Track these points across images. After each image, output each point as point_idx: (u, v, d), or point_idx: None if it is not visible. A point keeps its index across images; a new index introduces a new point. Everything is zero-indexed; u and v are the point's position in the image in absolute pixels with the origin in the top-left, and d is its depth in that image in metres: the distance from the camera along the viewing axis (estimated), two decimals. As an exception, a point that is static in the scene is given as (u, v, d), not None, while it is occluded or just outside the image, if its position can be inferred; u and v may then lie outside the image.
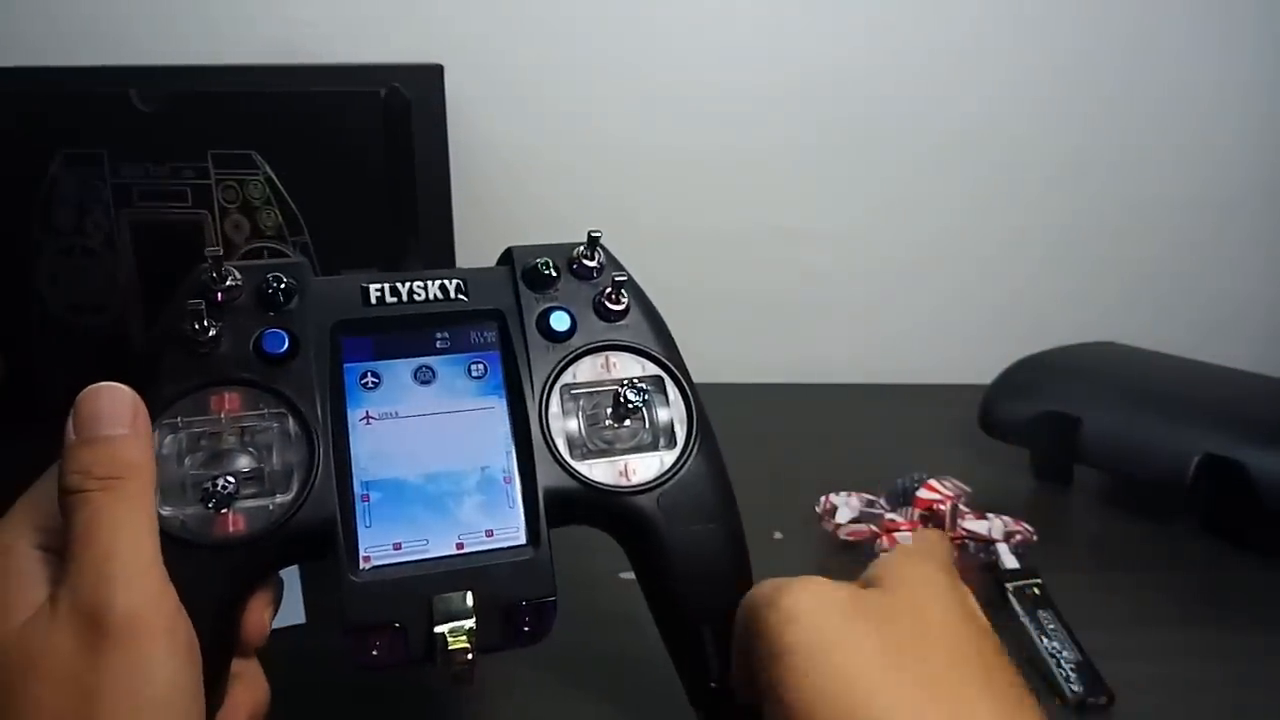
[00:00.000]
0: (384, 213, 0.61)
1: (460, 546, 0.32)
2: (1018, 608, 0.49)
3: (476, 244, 0.76)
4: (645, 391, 0.34)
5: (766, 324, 0.83)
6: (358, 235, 0.61)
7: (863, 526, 0.55)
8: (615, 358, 0.36)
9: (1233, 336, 0.83)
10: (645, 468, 0.34)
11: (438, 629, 0.30)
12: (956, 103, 0.78)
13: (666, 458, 0.35)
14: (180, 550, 0.29)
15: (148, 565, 0.28)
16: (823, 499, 0.57)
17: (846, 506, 0.56)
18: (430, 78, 0.64)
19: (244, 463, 0.31)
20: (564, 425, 0.34)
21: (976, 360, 0.72)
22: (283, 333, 0.32)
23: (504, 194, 0.78)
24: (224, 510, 0.30)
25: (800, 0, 0.74)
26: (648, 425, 0.35)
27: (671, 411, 0.36)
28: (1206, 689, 0.46)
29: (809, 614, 0.30)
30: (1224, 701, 0.45)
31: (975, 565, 0.53)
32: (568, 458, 0.33)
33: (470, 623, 0.30)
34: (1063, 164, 0.80)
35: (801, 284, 0.82)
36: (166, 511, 0.30)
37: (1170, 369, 0.67)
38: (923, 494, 0.55)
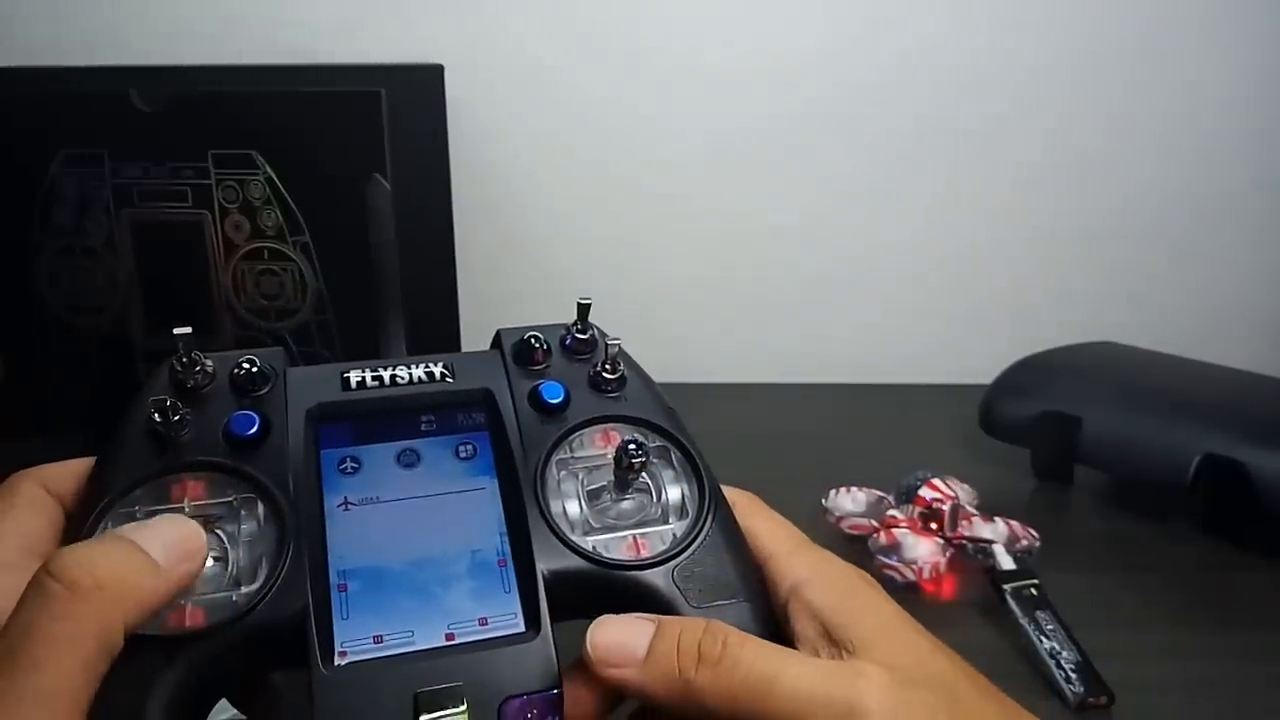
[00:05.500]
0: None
1: (450, 638, 0.29)
2: (1016, 609, 0.49)
3: (478, 243, 0.77)
4: (644, 448, 0.32)
5: (767, 324, 0.83)
6: (359, 237, 0.61)
7: (864, 521, 0.55)
8: (615, 431, 0.34)
9: (1233, 336, 0.83)
10: (656, 541, 0.31)
11: None
12: (961, 103, 0.78)
13: (679, 530, 0.32)
14: (128, 647, 0.25)
15: (55, 703, 0.23)
16: (831, 493, 0.57)
17: (853, 501, 0.57)
18: (430, 78, 0.64)
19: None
20: (563, 503, 0.32)
21: (976, 360, 0.72)
22: (253, 414, 0.31)
23: (504, 192, 0.78)
24: (182, 600, 0.27)
25: (805, 3, 0.75)
26: (655, 499, 0.33)
27: (680, 483, 0.33)
28: (1206, 689, 0.46)
29: None
30: (1224, 701, 0.45)
31: (973, 567, 0.53)
32: (569, 535, 0.31)
33: (462, 715, 0.27)
34: (1065, 165, 0.80)
35: (802, 284, 0.82)
36: None
37: (1170, 369, 0.67)
38: (924, 492, 0.55)
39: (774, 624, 0.31)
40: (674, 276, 0.81)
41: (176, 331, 0.30)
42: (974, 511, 0.55)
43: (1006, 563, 0.52)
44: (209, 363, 0.31)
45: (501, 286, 0.79)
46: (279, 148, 0.59)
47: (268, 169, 0.59)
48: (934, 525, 0.54)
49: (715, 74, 0.76)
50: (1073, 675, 0.45)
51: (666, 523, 0.32)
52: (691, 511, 0.32)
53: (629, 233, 0.80)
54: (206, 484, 0.30)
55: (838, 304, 0.83)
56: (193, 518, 0.29)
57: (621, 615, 0.29)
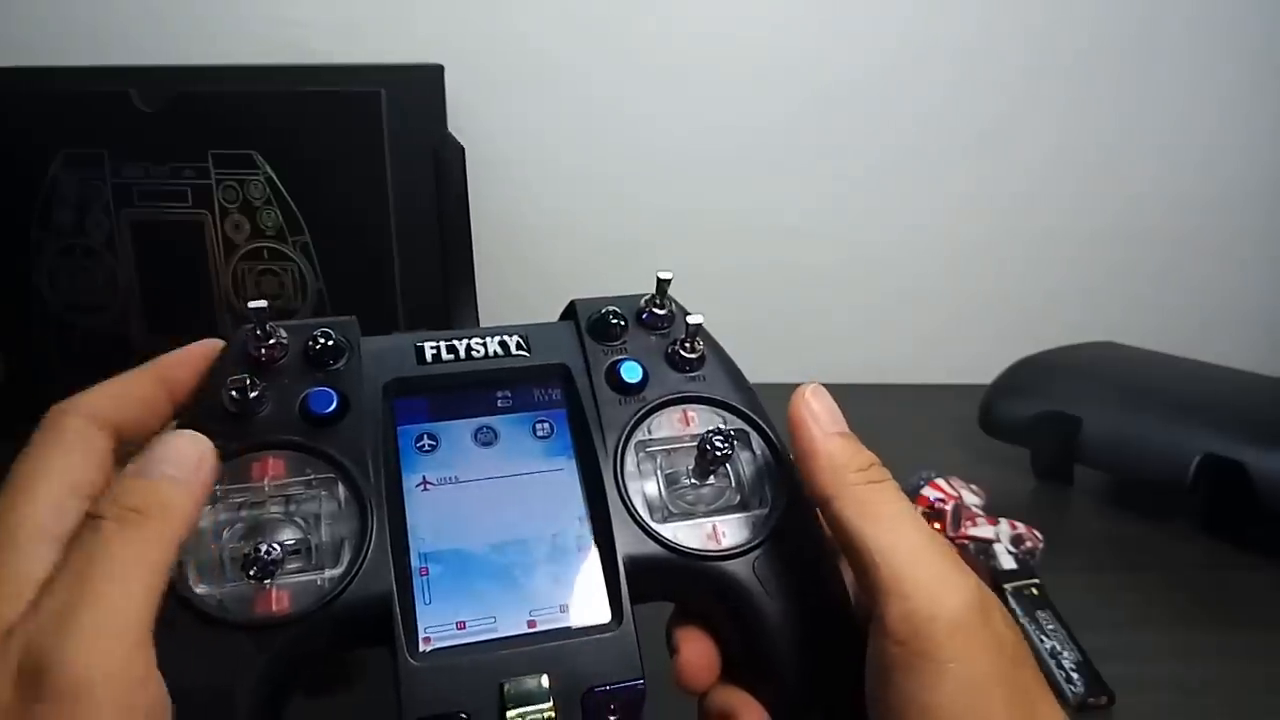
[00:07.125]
0: (386, 216, 0.61)
1: (532, 624, 0.28)
2: (1016, 609, 0.49)
3: (478, 243, 0.77)
4: (730, 439, 0.31)
5: (767, 324, 0.83)
6: (358, 237, 0.61)
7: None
8: (694, 411, 0.33)
9: (1233, 336, 0.83)
10: (736, 530, 0.31)
11: (511, 717, 0.26)
12: (959, 104, 0.78)
13: (759, 518, 0.31)
14: (216, 632, 0.26)
15: (127, 626, 0.23)
16: None
17: None
18: (430, 78, 0.64)
19: (289, 535, 0.28)
20: (641, 486, 0.31)
21: (976, 360, 0.72)
22: (331, 391, 0.30)
23: (504, 192, 0.78)
24: (267, 584, 0.27)
25: (807, 1, 0.75)
26: (734, 484, 0.32)
27: (759, 468, 0.32)
28: (1206, 689, 0.46)
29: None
30: (1224, 701, 0.45)
31: (976, 567, 0.53)
32: (649, 521, 0.30)
33: (548, 710, 0.27)
34: (1064, 164, 0.80)
35: (802, 284, 0.82)
36: (202, 590, 0.27)
37: (1170, 369, 0.67)
38: (927, 492, 0.55)
39: (853, 616, 0.31)
40: (674, 276, 0.81)
41: (252, 305, 0.30)
42: (978, 512, 0.55)
43: (1007, 562, 0.52)
44: (283, 334, 0.31)
45: (502, 286, 0.79)
46: (279, 148, 0.59)
47: (268, 169, 0.59)
48: (937, 525, 0.54)
49: (715, 74, 0.76)
50: (1073, 675, 0.45)
51: (745, 510, 0.31)
52: (771, 498, 0.32)
53: (628, 233, 0.80)
54: (286, 462, 0.29)
55: (838, 304, 0.83)
56: (272, 497, 0.29)
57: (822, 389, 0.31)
